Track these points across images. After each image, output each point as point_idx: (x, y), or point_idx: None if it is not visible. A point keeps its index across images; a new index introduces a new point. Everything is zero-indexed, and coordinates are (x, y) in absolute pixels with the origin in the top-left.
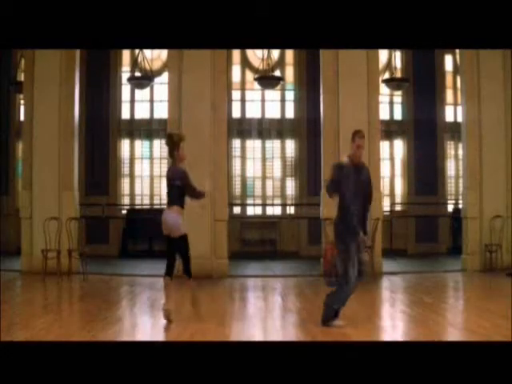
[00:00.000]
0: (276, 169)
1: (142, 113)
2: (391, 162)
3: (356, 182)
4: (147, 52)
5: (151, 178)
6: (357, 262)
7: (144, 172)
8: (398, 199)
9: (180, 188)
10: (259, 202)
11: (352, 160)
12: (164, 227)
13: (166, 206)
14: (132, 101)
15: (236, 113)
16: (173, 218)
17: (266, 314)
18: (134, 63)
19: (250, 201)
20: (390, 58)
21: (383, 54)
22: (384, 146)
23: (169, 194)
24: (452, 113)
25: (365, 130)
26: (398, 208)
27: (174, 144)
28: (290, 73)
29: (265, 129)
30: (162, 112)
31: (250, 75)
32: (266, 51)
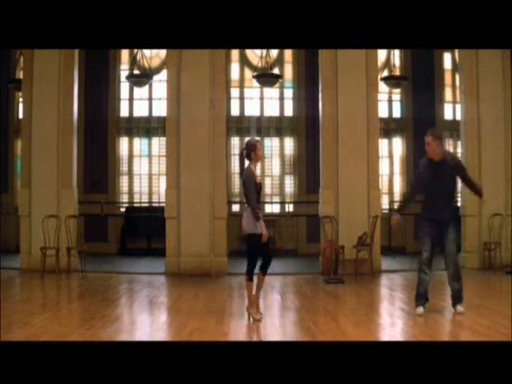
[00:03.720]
0: (275, 167)
1: (140, 111)
2: (390, 160)
3: (433, 175)
4: (146, 50)
5: (150, 175)
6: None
7: (143, 170)
8: (397, 197)
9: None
10: None
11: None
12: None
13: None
14: (131, 99)
15: (235, 111)
16: (245, 217)
17: (264, 311)
18: (133, 61)
19: None
20: (389, 56)
21: (382, 52)
22: (383, 143)
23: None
24: (451, 111)
25: (363, 127)
26: (396, 206)
27: (250, 148)
28: (288, 70)
29: (263, 127)
30: (160, 110)
31: (248, 73)
32: (264, 49)
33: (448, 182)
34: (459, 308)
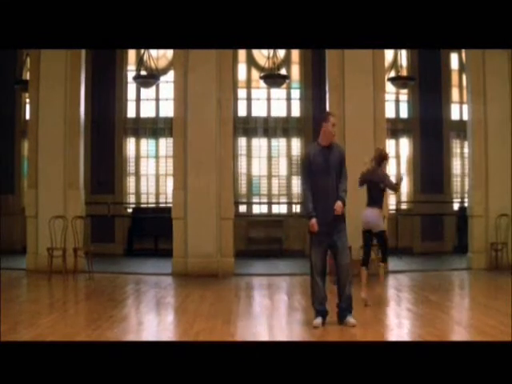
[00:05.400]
0: (282, 167)
1: (147, 111)
2: (397, 161)
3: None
4: (153, 50)
5: (157, 176)
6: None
7: (150, 170)
8: (404, 197)
9: (381, 190)
10: (265, 200)
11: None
12: (365, 223)
13: (367, 205)
14: (138, 99)
15: (242, 111)
16: (375, 215)
17: (271, 312)
18: (140, 62)
19: (255, 199)
20: (396, 57)
21: (389, 53)
22: (390, 144)
23: (371, 194)
24: (458, 111)
25: (370, 128)
26: (403, 206)
27: (382, 158)
28: (295, 71)
29: (270, 127)
30: (167, 110)
31: (255, 74)
32: (271, 49)
33: (337, 173)
34: (351, 320)
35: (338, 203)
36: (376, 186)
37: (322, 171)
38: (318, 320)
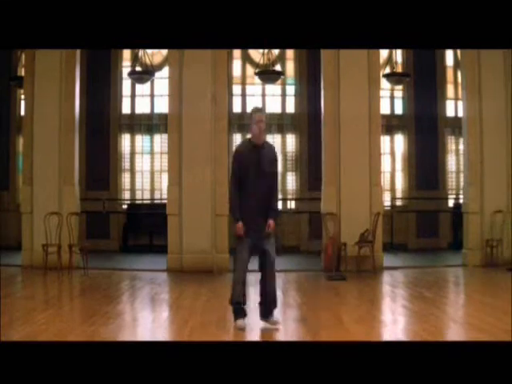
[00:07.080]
0: None
1: (142, 107)
2: (392, 157)
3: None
4: None
5: (152, 172)
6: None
7: (145, 167)
8: (399, 194)
9: None
10: None
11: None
12: None
13: None
14: (132, 95)
15: (237, 107)
16: None
17: None
18: (135, 58)
19: None
20: (391, 53)
21: (384, 49)
22: (385, 140)
23: None
24: (453, 107)
25: (365, 124)
26: (398, 203)
27: None
28: (290, 67)
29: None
30: (162, 106)
31: (250, 70)
32: None
33: (269, 177)
34: (275, 316)
35: (271, 222)
36: None
37: (252, 173)
38: (244, 321)
